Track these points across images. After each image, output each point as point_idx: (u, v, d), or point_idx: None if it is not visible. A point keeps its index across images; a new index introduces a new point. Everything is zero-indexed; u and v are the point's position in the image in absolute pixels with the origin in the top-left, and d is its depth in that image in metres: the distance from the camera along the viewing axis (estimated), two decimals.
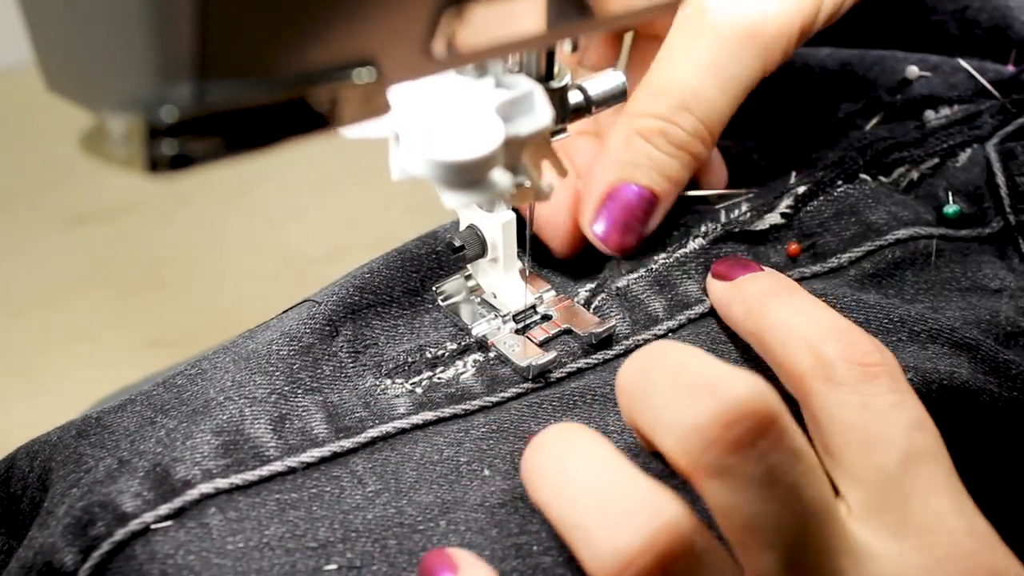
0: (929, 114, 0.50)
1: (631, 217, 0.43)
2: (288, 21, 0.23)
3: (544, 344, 0.42)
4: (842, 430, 0.33)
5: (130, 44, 0.23)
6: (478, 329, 0.43)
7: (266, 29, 0.23)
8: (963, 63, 0.51)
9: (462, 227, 0.43)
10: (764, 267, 0.41)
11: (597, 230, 0.44)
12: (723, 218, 0.46)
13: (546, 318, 0.44)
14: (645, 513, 0.30)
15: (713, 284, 0.42)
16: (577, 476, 0.32)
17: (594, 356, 0.42)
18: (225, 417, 0.38)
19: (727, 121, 0.43)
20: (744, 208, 0.46)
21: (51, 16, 0.26)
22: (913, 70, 0.51)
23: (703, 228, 0.45)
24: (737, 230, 0.45)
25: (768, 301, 0.38)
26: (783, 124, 0.53)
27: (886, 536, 0.32)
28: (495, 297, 0.44)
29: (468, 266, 0.44)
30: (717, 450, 0.29)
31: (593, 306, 0.44)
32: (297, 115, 0.25)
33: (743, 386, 0.30)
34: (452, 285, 0.44)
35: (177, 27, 0.22)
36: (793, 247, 0.45)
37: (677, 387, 0.31)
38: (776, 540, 0.30)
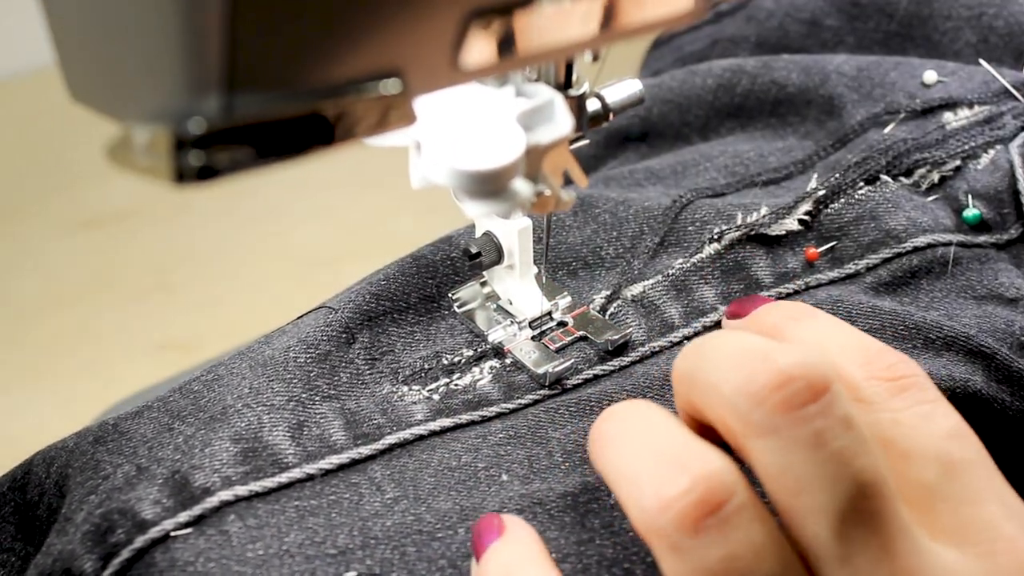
0: (948, 116, 0.50)
1: None
2: (316, 34, 0.23)
3: (560, 351, 0.42)
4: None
5: (158, 56, 0.23)
6: (494, 336, 0.43)
7: (294, 42, 0.23)
8: (984, 64, 0.51)
9: (478, 234, 0.43)
10: (776, 300, 0.40)
11: None
12: (739, 220, 0.46)
13: (562, 325, 0.44)
14: (692, 464, 0.30)
15: (728, 325, 0.41)
16: (636, 437, 0.32)
17: (610, 363, 0.42)
18: (243, 424, 0.38)
19: None
20: (763, 211, 0.46)
21: (77, 26, 0.26)
22: (931, 75, 0.51)
23: (718, 231, 0.45)
24: (753, 233, 0.45)
25: (786, 326, 0.37)
26: (801, 129, 0.53)
27: (938, 542, 0.31)
28: (511, 304, 0.44)
29: (484, 273, 0.44)
30: (766, 409, 0.30)
31: (609, 313, 0.44)
32: (323, 126, 0.24)
33: (797, 354, 0.30)
34: (468, 292, 0.44)
35: (206, 39, 0.22)
36: (811, 251, 0.45)
37: (732, 358, 0.31)
38: (824, 504, 0.29)
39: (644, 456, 0.31)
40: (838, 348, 0.35)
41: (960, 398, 0.40)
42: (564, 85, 0.37)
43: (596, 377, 0.42)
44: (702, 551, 0.29)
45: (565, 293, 0.44)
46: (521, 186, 0.32)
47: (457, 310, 0.44)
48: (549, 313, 0.44)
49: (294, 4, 0.23)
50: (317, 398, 0.39)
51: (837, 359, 0.34)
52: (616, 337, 0.42)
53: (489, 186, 0.31)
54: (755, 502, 0.30)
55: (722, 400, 0.31)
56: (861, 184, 0.47)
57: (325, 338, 0.41)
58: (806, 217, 0.46)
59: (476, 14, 0.25)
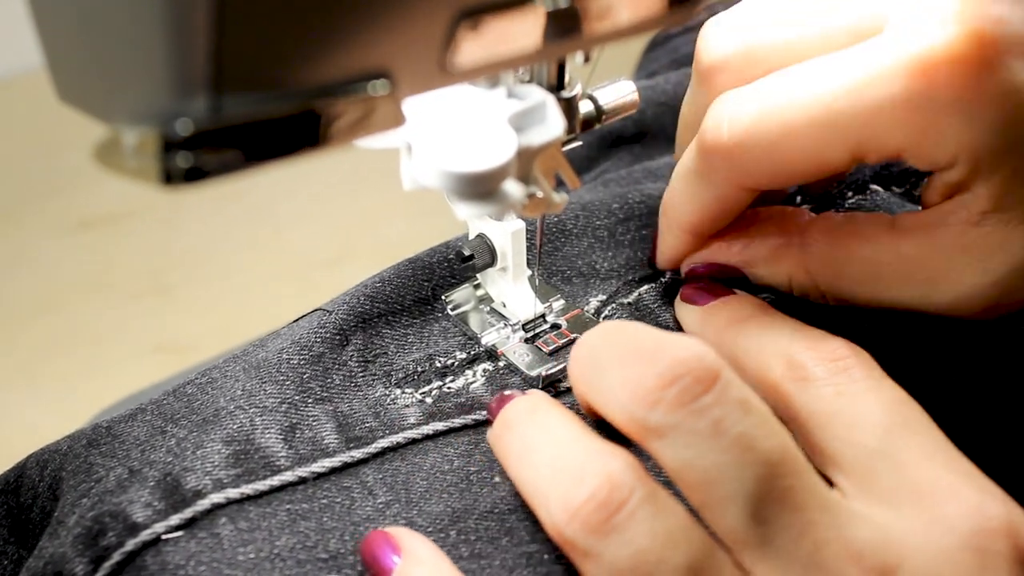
0: None
1: None
2: (304, 35, 0.23)
3: (554, 353, 0.42)
4: (821, 421, 0.34)
5: (146, 57, 0.23)
6: (487, 338, 0.43)
7: (282, 43, 0.23)
8: None
9: (471, 236, 0.43)
10: (734, 290, 0.41)
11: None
12: None
13: (555, 327, 0.43)
14: (589, 470, 0.31)
15: (684, 310, 0.42)
16: (537, 450, 0.34)
17: None
18: (235, 426, 0.38)
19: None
20: None
21: (65, 27, 0.26)
22: None
23: None
24: None
25: (738, 328, 0.39)
26: None
27: (880, 506, 0.32)
28: (504, 306, 0.44)
29: (477, 275, 0.44)
30: (661, 410, 0.30)
31: (603, 316, 0.44)
32: (312, 128, 0.24)
33: (682, 346, 0.31)
34: (461, 294, 0.44)
35: (193, 41, 0.22)
36: None
37: (620, 362, 0.32)
38: (734, 492, 0.30)
39: (546, 470, 0.33)
40: (783, 337, 0.36)
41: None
42: (556, 87, 0.37)
43: None
44: (612, 552, 0.30)
45: (559, 296, 0.44)
46: (512, 188, 0.32)
47: (450, 312, 0.44)
48: (543, 316, 0.43)
49: (281, 5, 0.23)
50: (310, 400, 0.39)
51: (782, 345, 0.36)
52: None
53: (480, 188, 0.31)
54: (657, 494, 0.31)
55: (618, 407, 0.32)
56: (850, 193, 0.47)
57: (319, 340, 0.41)
58: None
59: (464, 15, 0.25)
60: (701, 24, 0.61)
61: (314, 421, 0.38)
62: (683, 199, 0.41)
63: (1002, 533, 0.31)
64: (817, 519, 0.30)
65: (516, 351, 0.42)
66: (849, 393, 0.33)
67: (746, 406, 0.31)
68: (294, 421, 0.38)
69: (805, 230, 0.40)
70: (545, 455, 0.33)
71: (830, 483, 0.33)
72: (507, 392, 0.39)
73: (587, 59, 0.35)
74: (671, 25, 0.32)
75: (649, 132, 0.58)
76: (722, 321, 0.40)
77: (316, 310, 0.43)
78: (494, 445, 0.36)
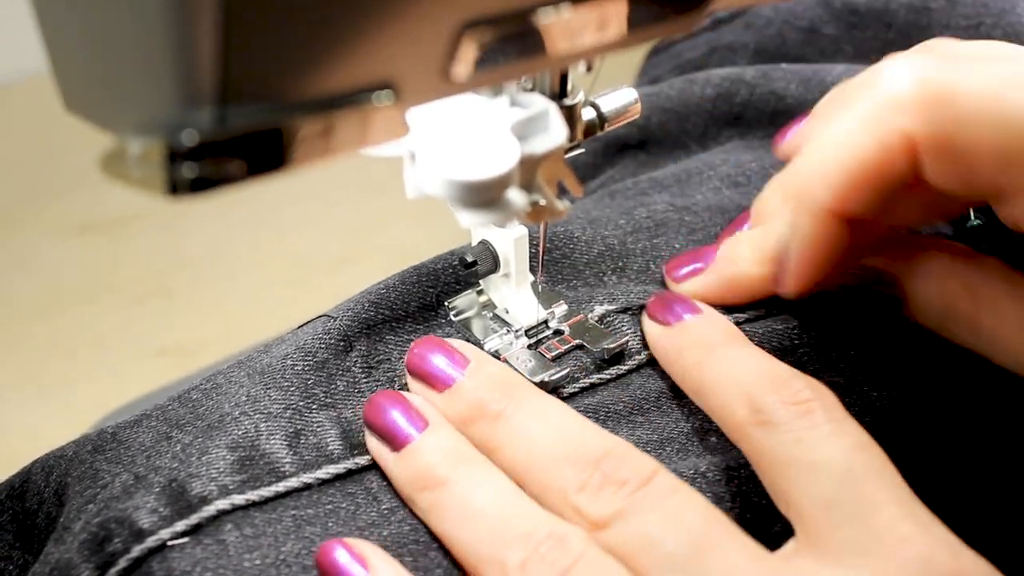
0: None
1: None
2: (308, 46, 0.23)
3: (557, 359, 0.42)
4: (781, 469, 0.34)
5: (151, 68, 0.23)
6: (490, 344, 0.43)
7: (286, 54, 0.23)
8: None
9: (474, 242, 0.43)
10: (700, 306, 0.41)
11: None
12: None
13: (558, 333, 0.43)
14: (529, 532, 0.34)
15: (649, 326, 0.42)
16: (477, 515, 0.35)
17: (607, 372, 0.42)
18: (240, 432, 0.38)
19: None
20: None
21: (71, 38, 0.26)
22: None
23: None
24: None
25: (704, 356, 0.38)
26: None
27: (828, 559, 0.32)
28: (507, 312, 0.44)
29: (480, 281, 0.44)
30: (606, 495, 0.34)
31: (605, 322, 0.44)
32: (316, 138, 0.25)
33: (603, 445, 0.35)
34: (464, 300, 0.44)
35: (198, 52, 0.22)
36: None
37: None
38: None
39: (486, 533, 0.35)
40: (749, 376, 0.36)
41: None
42: (559, 94, 0.37)
43: (593, 386, 0.42)
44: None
45: (561, 302, 0.44)
46: (516, 196, 0.32)
47: (453, 318, 0.44)
48: (545, 322, 0.44)
49: (286, 17, 0.23)
50: (314, 406, 0.39)
51: (747, 386, 0.36)
52: (613, 346, 0.42)
53: (484, 196, 0.31)
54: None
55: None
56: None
57: (323, 346, 0.41)
58: None
59: (468, 25, 0.25)
60: (703, 30, 0.61)
61: (318, 427, 0.39)
62: (833, 153, 0.38)
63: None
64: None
65: (519, 357, 0.42)
66: (808, 440, 0.33)
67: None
68: (299, 427, 0.38)
69: (972, 260, 0.40)
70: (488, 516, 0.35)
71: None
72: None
73: (589, 68, 0.36)
74: (675, 33, 0.32)
75: (653, 139, 0.58)
76: (688, 344, 0.39)
77: (321, 316, 0.43)
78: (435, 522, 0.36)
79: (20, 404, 1.06)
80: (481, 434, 0.37)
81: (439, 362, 0.39)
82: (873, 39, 0.60)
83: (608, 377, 0.42)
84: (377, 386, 0.41)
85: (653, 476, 0.34)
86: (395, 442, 0.37)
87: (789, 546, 0.33)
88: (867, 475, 0.33)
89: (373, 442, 0.38)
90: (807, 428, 0.34)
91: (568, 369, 0.41)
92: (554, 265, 0.45)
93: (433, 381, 0.39)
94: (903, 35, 0.59)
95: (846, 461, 0.33)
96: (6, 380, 1.10)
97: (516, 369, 0.42)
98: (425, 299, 0.43)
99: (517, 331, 0.43)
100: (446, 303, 0.44)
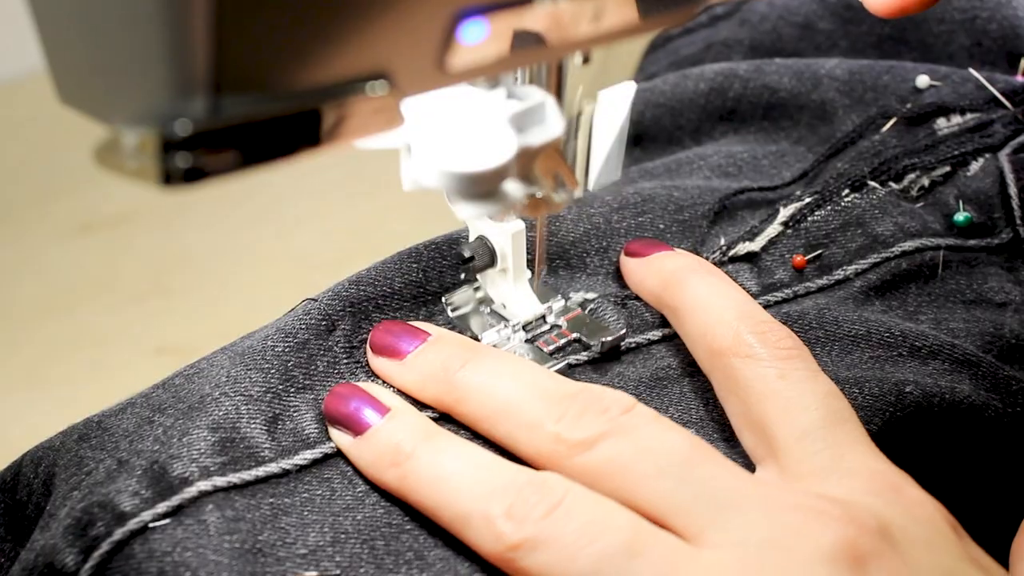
0: (940, 123, 0.50)
1: None
2: (302, 35, 0.23)
3: (554, 354, 0.42)
4: (762, 398, 0.36)
5: (145, 59, 0.23)
6: (488, 339, 0.43)
7: (280, 43, 0.23)
8: (974, 73, 0.51)
9: (471, 237, 0.43)
10: (676, 248, 0.43)
11: None
12: (722, 242, 0.46)
13: (555, 328, 0.43)
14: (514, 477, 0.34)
15: (626, 260, 0.43)
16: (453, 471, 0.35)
17: (582, 354, 0.42)
18: (221, 413, 0.38)
19: None
20: (748, 224, 0.46)
21: (65, 30, 0.26)
22: (924, 79, 0.51)
23: (706, 248, 0.46)
24: (744, 254, 0.45)
25: (687, 276, 0.41)
26: (794, 134, 0.53)
27: (808, 484, 0.34)
28: (504, 307, 0.44)
29: (477, 276, 0.44)
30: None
31: (589, 308, 0.44)
32: (310, 128, 0.25)
33: (576, 385, 0.36)
34: (461, 296, 0.44)
35: (192, 41, 0.22)
36: (799, 259, 0.45)
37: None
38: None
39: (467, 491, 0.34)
40: (734, 307, 0.38)
41: (949, 405, 0.40)
42: (557, 87, 0.36)
43: (571, 367, 0.42)
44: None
45: (559, 296, 0.44)
46: (513, 188, 0.32)
47: (450, 314, 0.44)
48: (543, 316, 0.44)
49: (280, 6, 0.23)
50: (292, 389, 0.39)
51: (732, 317, 0.38)
52: (610, 339, 0.42)
53: (481, 188, 0.31)
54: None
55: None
56: (847, 191, 0.47)
57: (303, 327, 0.40)
58: (788, 221, 0.46)
59: (463, 15, 0.25)
60: (700, 26, 0.61)
61: (295, 412, 0.39)
62: None
63: (932, 506, 0.34)
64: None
65: (516, 352, 0.42)
66: (791, 378, 0.36)
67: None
68: (277, 411, 0.38)
69: None
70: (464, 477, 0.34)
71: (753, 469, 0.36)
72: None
73: (586, 60, 0.36)
74: (672, 26, 0.32)
75: (647, 134, 0.58)
76: (670, 271, 0.41)
77: (304, 300, 0.43)
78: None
79: (19, 402, 1.06)
80: (442, 388, 0.38)
81: (401, 331, 0.40)
82: (868, 33, 0.60)
83: (583, 359, 0.42)
84: (357, 367, 0.40)
85: (634, 405, 0.35)
86: (358, 428, 0.37)
87: (760, 472, 0.36)
88: (842, 417, 0.35)
89: (335, 432, 0.38)
90: (789, 369, 0.36)
91: (566, 363, 0.41)
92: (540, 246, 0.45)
93: (393, 351, 0.39)
94: (898, 29, 0.59)
95: (825, 402, 0.35)
96: (5, 379, 1.10)
97: None
98: (410, 275, 0.43)
99: (515, 326, 0.43)
100: (443, 299, 0.44)
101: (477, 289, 0.44)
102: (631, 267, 0.43)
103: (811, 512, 0.32)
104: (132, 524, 0.35)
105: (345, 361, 0.40)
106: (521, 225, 0.42)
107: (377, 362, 0.40)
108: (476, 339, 0.43)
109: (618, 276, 0.45)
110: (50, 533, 0.35)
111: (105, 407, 0.40)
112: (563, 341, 0.43)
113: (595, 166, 0.39)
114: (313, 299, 0.42)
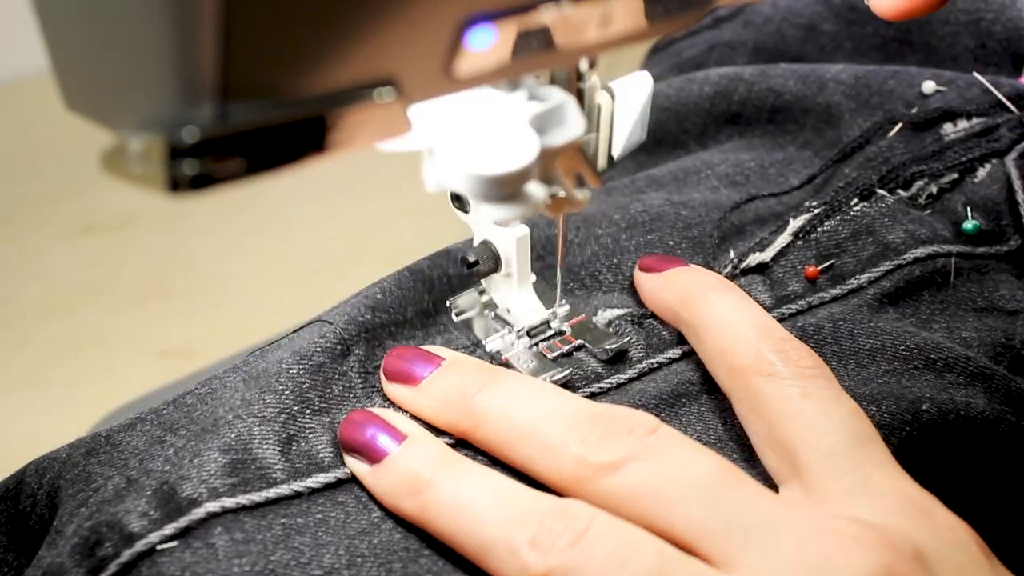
0: (947, 127, 0.50)
1: None
2: (309, 42, 0.23)
3: (558, 360, 0.42)
4: (785, 417, 0.35)
5: (152, 65, 0.23)
6: (492, 344, 0.42)
7: (287, 50, 0.23)
8: (978, 77, 0.51)
9: (476, 242, 0.43)
10: (690, 266, 0.43)
11: None
12: (732, 255, 0.46)
13: (560, 334, 0.43)
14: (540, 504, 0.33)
15: (641, 276, 0.43)
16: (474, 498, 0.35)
17: (607, 380, 0.42)
18: (233, 435, 0.37)
19: None
20: (757, 237, 0.46)
21: (72, 36, 0.26)
22: (929, 84, 0.51)
23: (718, 263, 0.46)
24: (755, 264, 0.45)
25: (705, 292, 0.40)
26: (800, 138, 0.53)
27: (836, 506, 0.33)
28: (509, 312, 0.44)
29: (482, 281, 0.44)
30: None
31: (613, 327, 0.43)
32: (317, 135, 0.24)
33: (598, 407, 0.35)
34: (466, 300, 0.44)
35: (199, 48, 0.22)
36: (811, 270, 0.45)
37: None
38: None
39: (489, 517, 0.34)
40: (754, 325, 0.38)
41: (963, 420, 0.40)
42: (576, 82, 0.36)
43: (593, 396, 0.41)
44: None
45: (563, 301, 0.44)
46: (536, 189, 0.32)
47: (455, 318, 0.44)
48: (547, 322, 0.43)
49: (287, 13, 0.23)
50: (308, 411, 0.39)
51: (753, 335, 0.37)
52: (614, 346, 0.42)
53: (504, 190, 0.31)
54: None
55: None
56: (856, 200, 0.47)
57: (319, 350, 0.40)
58: (798, 231, 0.46)
59: (471, 21, 0.25)
60: (703, 28, 0.61)
61: (310, 433, 0.38)
62: None
63: (963, 530, 0.33)
64: None
65: (520, 357, 0.42)
66: (815, 397, 0.35)
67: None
68: (291, 432, 0.38)
69: None
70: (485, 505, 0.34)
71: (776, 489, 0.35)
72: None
73: (592, 65, 0.35)
74: (678, 30, 0.32)
75: (652, 138, 0.57)
76: (688, 287, 0.41)
77: (316, 320, 0.42)
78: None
79: (21, 404, 1.06)
80: (459, 413, 0.37)
81: (414, 356, 0.39)
82: (872, 35, 0.60)
83: (608, 386, 0.42)
84: (373, 392, 0.40)
85: (659, 427, 0.34)
86: (374, 457, 0.36)
87: (785, 493, 0.35)
88: (867, 437, 0.35)
89: (351, 460, 0.37)
90: (813, 388, 0.35)
91: (569, 370, 0.41)
92: (549, 269, 0.45)
93: (407, 377, 0.39)
94: (902, 31, 0.59)
95: (849, 422, 0.35)
96: (7, 380, 1.10)
97: (517, 369, 0.41)
98: (421, 305, 0.43)
99: (519, 331, 0.43)
100: (447, 303, 0.44)
101: (482, 293, 0.44)
102: (647, 283, 0.43)
103: (845, 537, 0.31)
104: (140, 546, 0.34)
105: (361, 386, 0.40)
106: (525, 230, 0.42)
107: (391, 388, 0.39)
108: (480, 344, 0.42)
109: (634, 290, 0.45)
110: (57, 551, 0.35)
111: (111, 411, 0.40)
112: (567, 347, 0.43)
113: (619, 140, 0.38)
114: (327, 320, 0.42)
